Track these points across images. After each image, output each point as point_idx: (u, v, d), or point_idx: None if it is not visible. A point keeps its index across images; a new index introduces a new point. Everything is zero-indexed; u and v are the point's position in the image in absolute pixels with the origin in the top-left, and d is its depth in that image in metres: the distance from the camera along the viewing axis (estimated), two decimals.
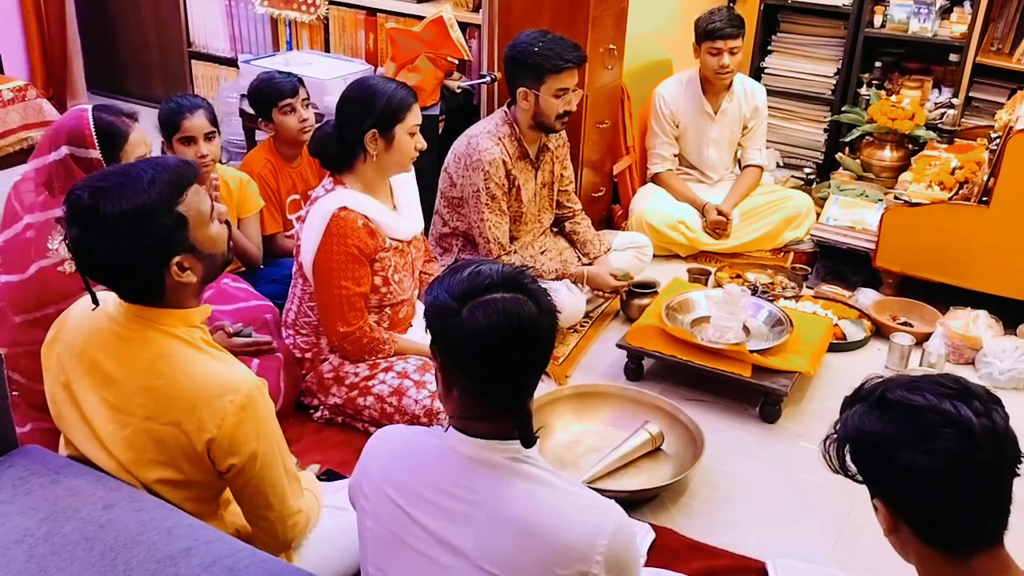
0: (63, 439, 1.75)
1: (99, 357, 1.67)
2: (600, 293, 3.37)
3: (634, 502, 2.39)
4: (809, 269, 3.74)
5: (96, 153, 2.17)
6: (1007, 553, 1.21)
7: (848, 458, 1.24)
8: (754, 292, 3.42)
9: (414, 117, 2.52)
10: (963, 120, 4.32)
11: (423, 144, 2.57)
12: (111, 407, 1.65)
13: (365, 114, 2.46)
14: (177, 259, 1.61)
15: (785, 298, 3.42)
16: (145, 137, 2.26)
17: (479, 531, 1.37)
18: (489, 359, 1.36)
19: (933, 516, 1.18)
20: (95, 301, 1.67)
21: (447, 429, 1.46)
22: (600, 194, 3.93)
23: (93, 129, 2.17)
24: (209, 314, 1.75)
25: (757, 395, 2.82)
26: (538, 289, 1.42)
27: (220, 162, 3.02)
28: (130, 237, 1.55)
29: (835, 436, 1.26)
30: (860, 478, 1.25)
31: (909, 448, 1.15)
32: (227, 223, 1.73)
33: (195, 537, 1.54)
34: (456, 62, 3.70)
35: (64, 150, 2.18)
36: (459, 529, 1.38)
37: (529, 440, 1.39)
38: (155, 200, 1.57)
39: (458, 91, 3.71)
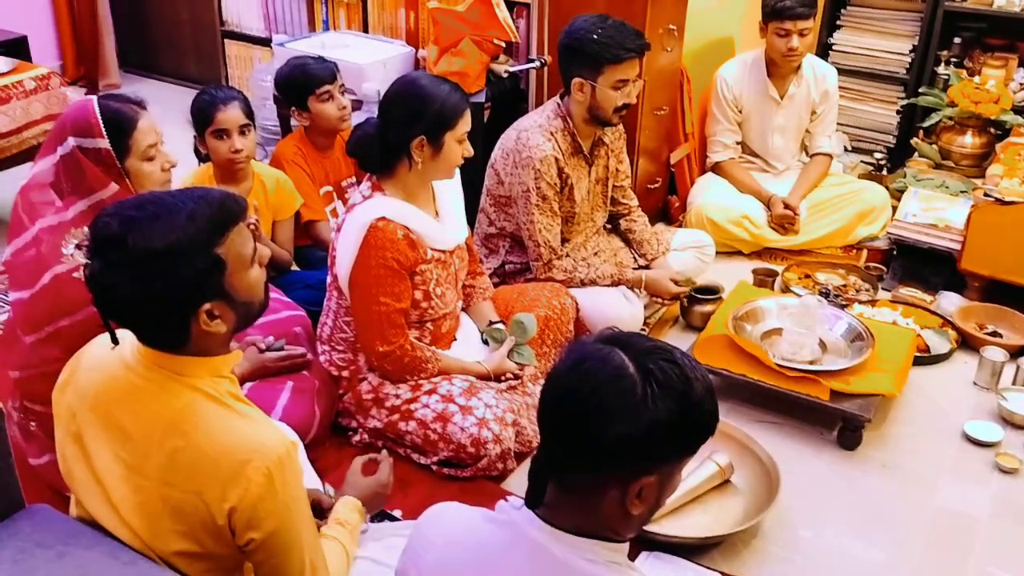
0: (74, 499, 1.57)
1: (113, 409, 1.47)
2: (659, 299, 3.12)
3: (703, 547, 2.17)
4: (885, 269, 3.45)
5: (104, 142, 2.00)
6: None
7: None
8: (826, 295, 3.16)
9: (465, 124, 2.30)
10: None
11: (470, 151, 2.35)
12: (126, 467, 1.46)
13: (414, 119, 2.24)
14: (207, 306, 1.40)
15: (860, 302, 3.15)
16: (155, 126, 2.09)
17: None
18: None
19: None
20: (114, 340, 1.47)
21: (521, 506, 1.21)
22: (656, 185, 3.67)
23: (100, 117, 2.00)
24: (239, 360, 1.55)
25: (835, 419, 2.57)
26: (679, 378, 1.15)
27: (254, 157, 2.82)
28: (158, 278, 1.35)
29: None
30: None
31: None
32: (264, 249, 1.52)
33: None
34: (503, 44, 3.44)
35: (71, 142, 2.00)
36: None
37: (528, 500, 1.19)
38: (192, 238, 1.36)
39: (505, 76, 3.46)
